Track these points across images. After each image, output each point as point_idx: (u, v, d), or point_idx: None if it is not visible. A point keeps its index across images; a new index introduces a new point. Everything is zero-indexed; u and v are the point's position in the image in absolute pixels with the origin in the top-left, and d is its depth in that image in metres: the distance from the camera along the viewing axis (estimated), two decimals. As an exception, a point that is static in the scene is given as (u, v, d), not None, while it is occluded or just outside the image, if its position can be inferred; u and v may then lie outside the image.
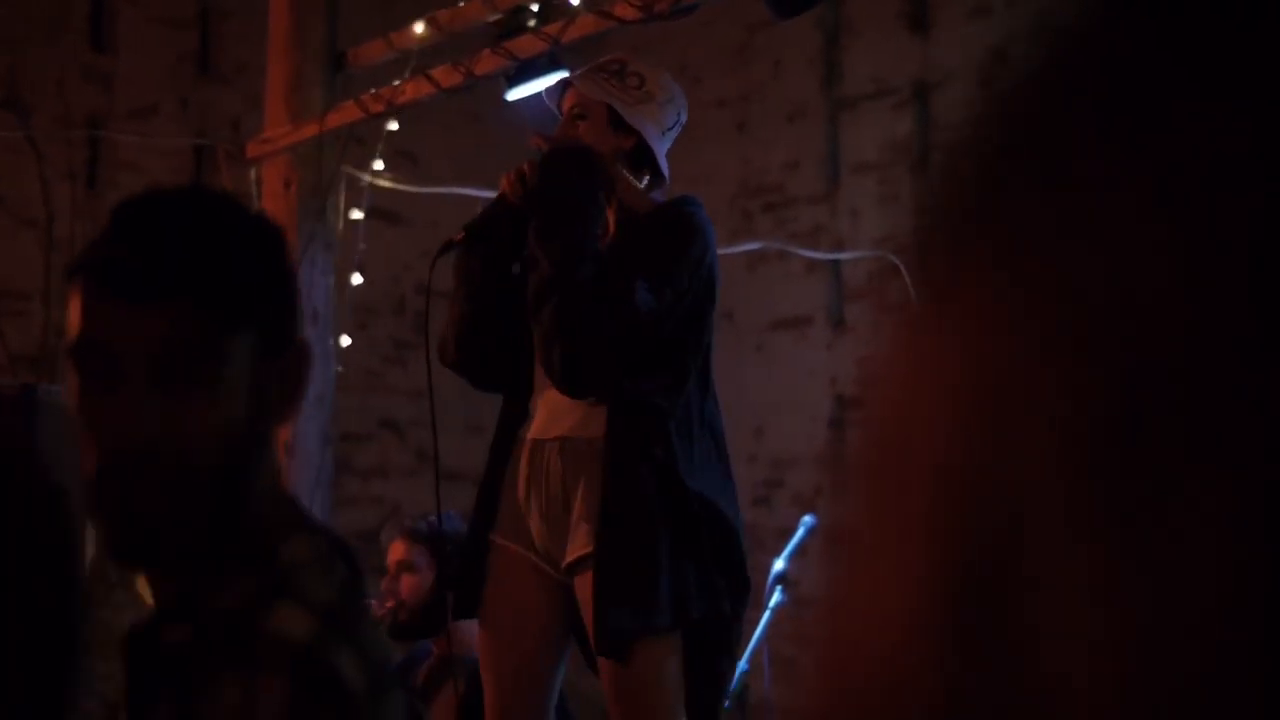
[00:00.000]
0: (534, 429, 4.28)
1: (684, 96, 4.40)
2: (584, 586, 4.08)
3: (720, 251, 9.26)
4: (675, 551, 4.03)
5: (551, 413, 4.23)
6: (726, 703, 5.76)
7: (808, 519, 6.30)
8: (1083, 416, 0.49)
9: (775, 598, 6.08)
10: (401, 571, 5.81)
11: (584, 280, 4.02)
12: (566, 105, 4.35)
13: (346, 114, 6.86)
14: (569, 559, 4.15)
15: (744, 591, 4.21)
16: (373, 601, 5.56)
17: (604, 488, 4.05)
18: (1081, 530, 0.48)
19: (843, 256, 9.77)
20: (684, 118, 4.38)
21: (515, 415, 4.36)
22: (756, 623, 6.02)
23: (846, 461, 0.58)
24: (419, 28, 6.71)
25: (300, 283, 2.04)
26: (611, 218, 4.30)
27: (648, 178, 4.32)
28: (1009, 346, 0.52)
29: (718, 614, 4.10)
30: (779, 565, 6.13)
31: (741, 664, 5.87)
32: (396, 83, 6.63)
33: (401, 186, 7.62)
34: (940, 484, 0.54)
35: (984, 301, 0.54)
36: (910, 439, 0.56)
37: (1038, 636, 0.49)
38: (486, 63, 6.18)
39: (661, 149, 4.31)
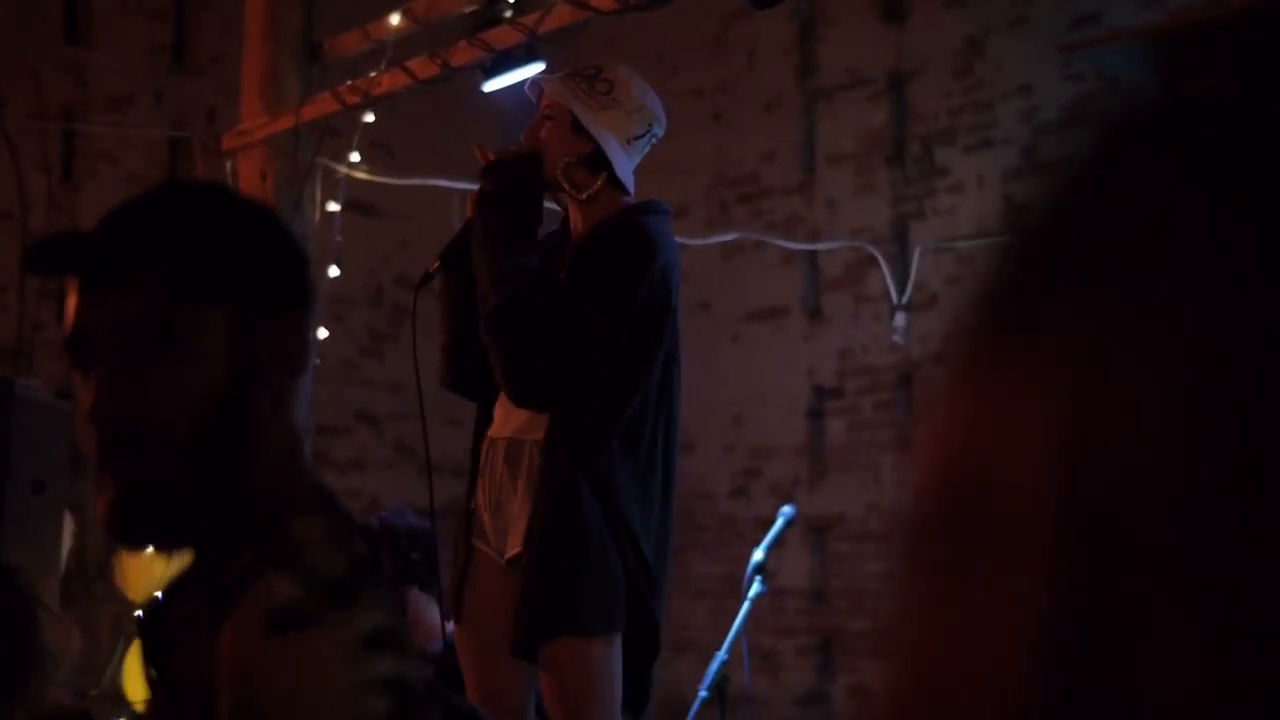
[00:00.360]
0: (491, 428, 4.38)
1: (659, 108, 4.39)
2: (516, 585, 4.17)
3: (696, 242, 9.33)
4: (601, 558, 4.09)
5: (505, 413, 4.32)
6: (704, 692, 5.79)
7: (787, 509, 6.29)
8: None
9: (754, 588, 6.07)
10: None
11: (507, 301, 4.11)
12: (541, 105, 4.39)
13: (323, 106, 6.84)
14: (506, 557, 4.25)
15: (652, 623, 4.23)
16: None
17: (536, 490, 4.14)
18: None
19: (819, 247, 9.78)
20: (658, 130, 4.38)
21: (486, 419, 4.43)
22: (736, 613, 6.02)
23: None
24: (395, 19, 6.70)
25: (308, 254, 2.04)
26: (578, 216, 4.37)
27: (601, 182, 4.33)
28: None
29: (645, 620, 4.14)
30: (758, 555, 6.11)
31: (720, 654, 5.86)
32: (373, 74, 6.62)
33: (378, 179, 7.62)
34: None
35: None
36: None
37: None
38: (463, 54, 6.17)
39: (624, 157, 4.31)
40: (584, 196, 4.31)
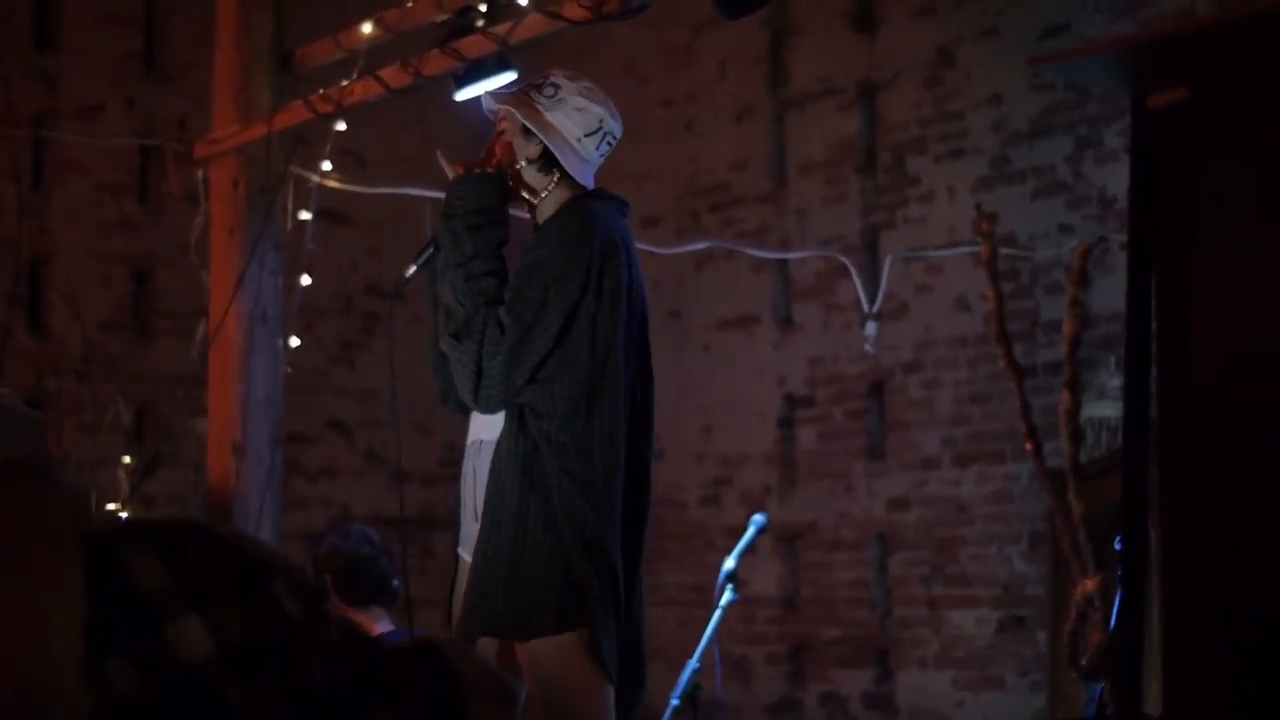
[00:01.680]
0: (469, 434, 4.50)
1: (608, 108, 4.50)
2: None
3: (667, 251, 9.35)
4: (546, 559, 4.14)
5: (475, 417, 4.44)
6: (676, 700, 5.80)
7: (758, 518, 6.30)
8: None
9: (726, 596, 6.08)
10: None
11: (474, 313, 4.23)
12: (497, 119, 4.52)
13: (295, 114, 6.84)
14: (471, 558, 4.33)
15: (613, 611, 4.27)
16: None
17: (487, 491, 4.25)
18: None
19: (790, 256, 9.80)
20: (611, 127, 4.49)
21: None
22: (707, 622, 6.03)
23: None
24: (366, 28, 6.69)
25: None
26: (537, 219, 4.48)
27: (554, 181, 4.41)
28: None
29: (593, 621, 4.17)
30: (729, 564, 6.12)
31: (692, 662, 5.87)
32: (345, 83, 6.61)
33: (351, 187, 7.61)
34: None
35: None
36: None
37: None
38: (435, 63, 6.17)
39: (573, 154, 4.41)
40: (540, 198, 4.45)
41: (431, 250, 4.44)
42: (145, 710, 1.61)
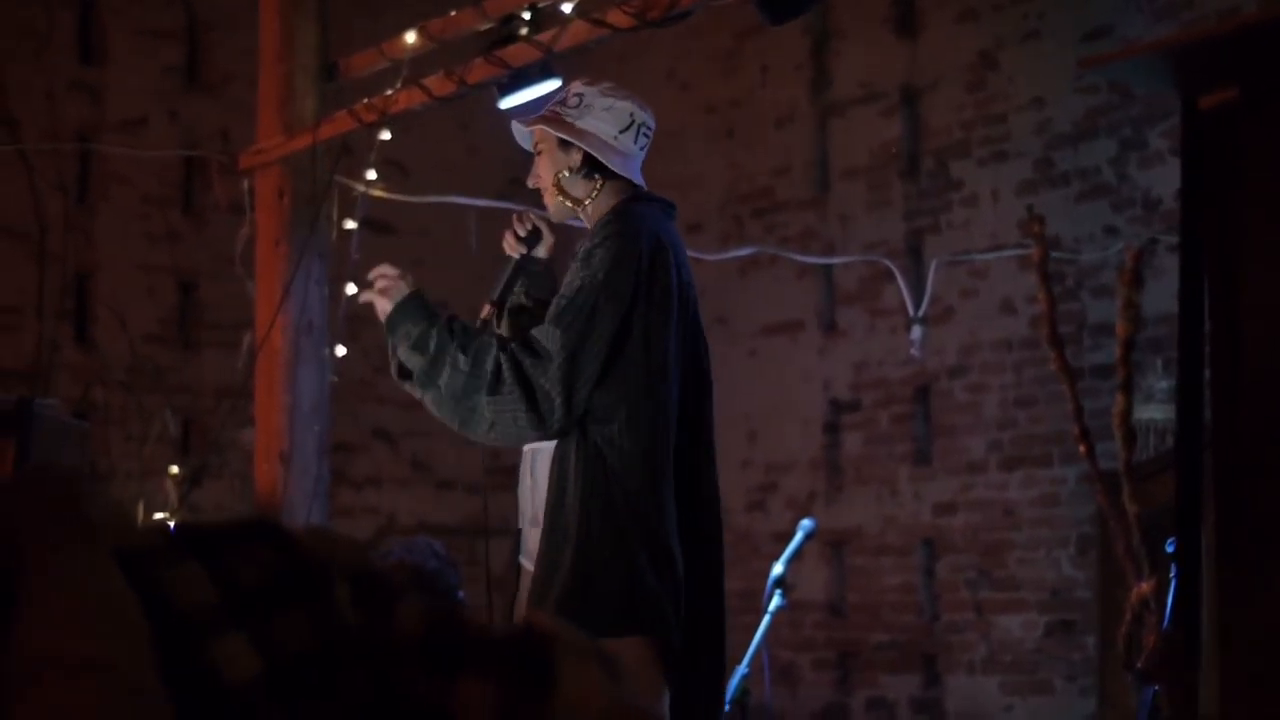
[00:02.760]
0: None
1: (634, 102, 4.54)
2: None
3: (710, 257, 9.35)
4: (612, 565, 4.14)
5: None
6: (725, 706, 5.80)
7: (806, 523, 6.30)
8: None
9: (774, 602, 6.08)
10: None
11: (476, 374, 4.25)
12: (533, 146, 4.59)
13: (340, 124, 6.86)
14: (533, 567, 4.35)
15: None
16: None
17: (547, 498, 4.27)
18: None
19: (834, 261, 9.79)
20: (644, 118, 4.53)
21: None
22: (755, 627, 6.03)
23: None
24: (410, 37, 6.71)
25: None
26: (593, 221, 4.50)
27: (599, 186, 4.45)
28: None
29: (658, 628, 4.15)
30: (777, 569, 6.12)
31: (741, 668, 5.87)
32: (389, 92, 6.63)
33: (396, 196, 7.62)
34: None
35: None
36: None
37: None
38: (479, 71, 6.19)
39: (613, 152, 4.45)
40: (587, 202, 4.48)
41: (496, 308, 4.56)
42: None
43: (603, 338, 4.19)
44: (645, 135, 4.52)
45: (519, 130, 4.61)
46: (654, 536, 4.17)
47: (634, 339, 4.22)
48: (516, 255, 4.54)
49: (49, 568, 1.47)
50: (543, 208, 4.61)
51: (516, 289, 4.58)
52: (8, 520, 1.49)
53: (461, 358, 4.22)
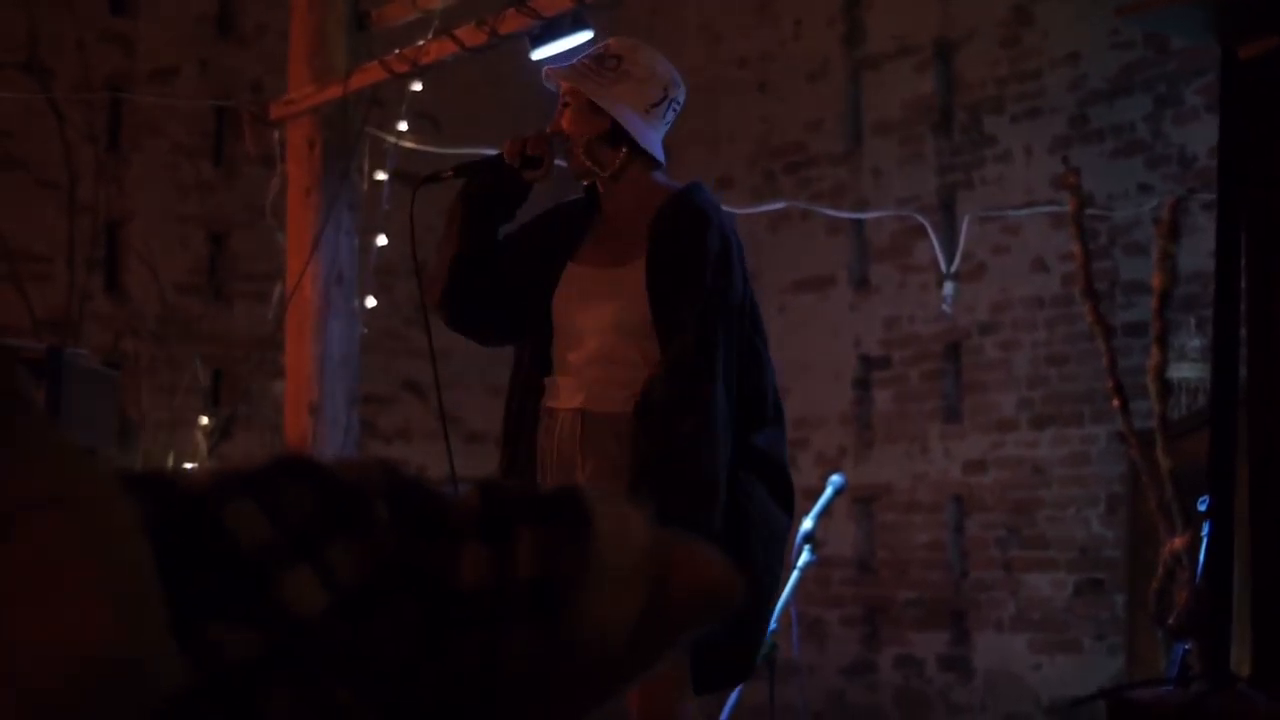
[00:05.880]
0: (548, 397, 4.38)
1: (673, 73, 4.42)
2: None
3: (742, 211, 9.32)
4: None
5: (572, 381, 4.33)
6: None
7: (836, 478, 6.28)
8: None
9: (804, 557, 6.07)
10: None
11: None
12: (561, 93, 4.44)
13: (371, 75, 6.84)
14: None
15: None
16: None
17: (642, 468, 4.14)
18: None
19: (866, 216, 9.75)
20: (676, 94, 4.40)
21: (527, 382, 4.45)
22: (783, 583, 6.01)
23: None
24: (442, -13, 6.69)
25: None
26: (609, 193, 4.41)
27: (624, 156, 4.35)
28: None
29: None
30: (806, 525, 6.11)
31: (769, 624, 5.86)
32: (420, 43, 6.61)
33: (426, 148, 7.60)
34: None
35: None
36: None
37: None
38: (511, 22, 6.16)
39: (644, 126, 4.33)
40: (609, 173, 4.37)
41: (455, 173, 4.53)
42: (268, 673, 1.57)
43: (730, 371, 4.19)
44: (675, 110, 4.42)
45: (552, 74, 4.52)
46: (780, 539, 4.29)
47: (750, 356, 4.28)
48: (508, 161, 4.37)
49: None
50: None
51: (469, 181, 4.49)
52: None
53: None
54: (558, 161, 4.38)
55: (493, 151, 4.46)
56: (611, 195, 4.39)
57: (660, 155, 4.38)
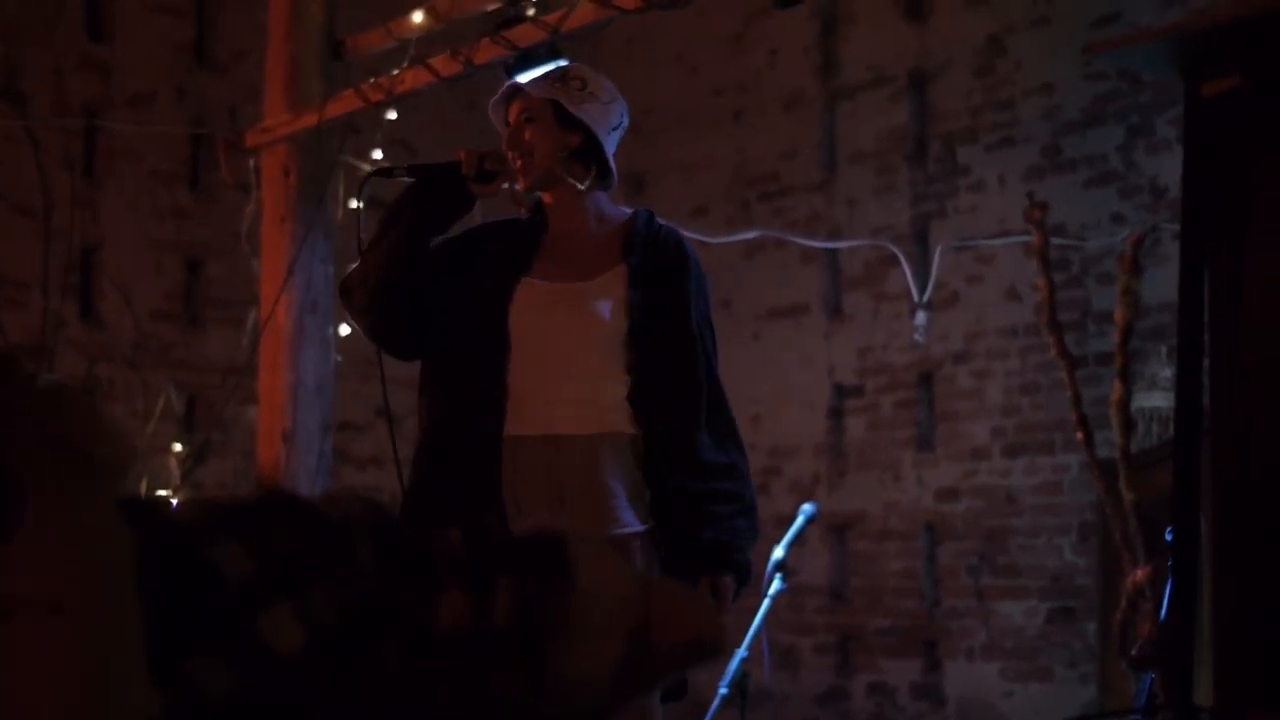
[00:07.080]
0: (509, 423, 4.27)
1: (625, 102, 4.43)
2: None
3: (717, 240, 9.35)
4: None
5: (534, 405, 4.24)
6: (724, 689, 5.80)
7: (807, 507, 6.31)
8: None
9: (774, 585, 6.09)
10: None
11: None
12: (513, 114, 4.39)
13: (346, 103, 6.85)
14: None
15: None
16: None
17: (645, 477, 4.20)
18: None
19: (840, 245, 9.78)
20: (626, 121, 4.43)
21: (471, 408, 4.39)
22: (755, 610, 6.03)
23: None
24: (418, 17, 6.70)
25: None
26: (564, 210, 4.37)
27: (593, 174, 4.35)
28: None
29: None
30: (778, 553, 6.13)
31: (741, 651, 5.88)
32: (396, 72, 6.63)
33: (401, 177, 7.60)
34: None
35: None
36: None
37: None
38: (486, 52, 6.17)
39: (609, 147, 4.34)
40: (583, 187, 4.33)
41: (408, 171, 4.51)
42: (247, 709, 1.57)
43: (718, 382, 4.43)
44: (620, 137, 4.46)
45: (497, 104, 4.44)
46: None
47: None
48: (465, 170, 4.35)
49: (44, 507, 1.47)
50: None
51: (419, 183, 4.47)
52: (5, 445, 1.49)
53: None
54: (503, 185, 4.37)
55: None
56: (568, 212, 4.34)
57: (614, 177, 4.40)
